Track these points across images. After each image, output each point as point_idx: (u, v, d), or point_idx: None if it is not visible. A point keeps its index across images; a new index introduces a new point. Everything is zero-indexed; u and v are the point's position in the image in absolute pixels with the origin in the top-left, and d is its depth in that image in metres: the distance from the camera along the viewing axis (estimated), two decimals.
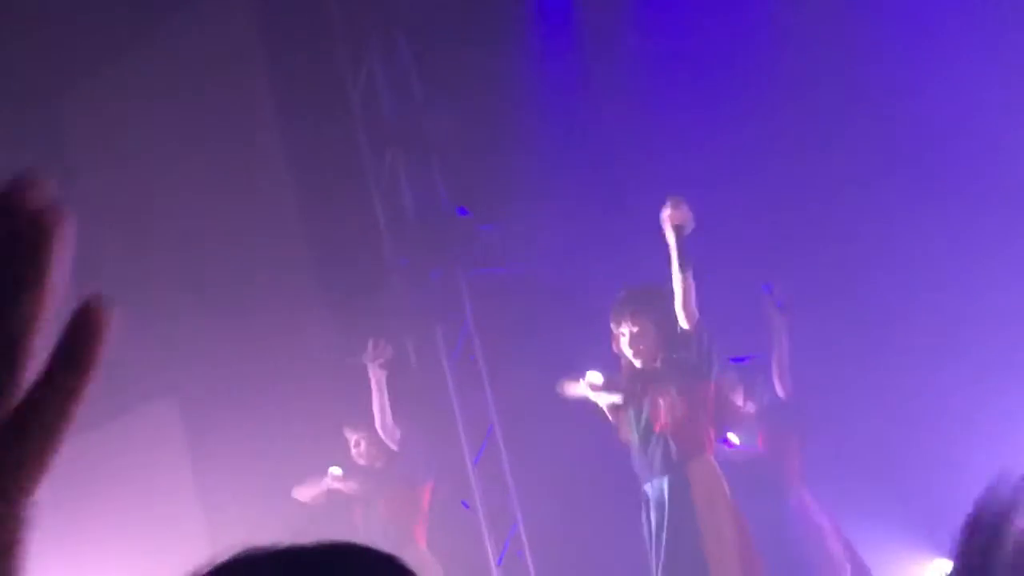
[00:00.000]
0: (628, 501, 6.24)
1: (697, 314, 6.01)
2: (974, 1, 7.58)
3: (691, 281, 5.98)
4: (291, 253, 8.06)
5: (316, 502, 7.19)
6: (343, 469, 7.20)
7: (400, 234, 8.11)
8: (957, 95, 7.43)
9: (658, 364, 6.11)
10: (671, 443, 6.04)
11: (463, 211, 8.06)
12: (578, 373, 6.31)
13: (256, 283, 7.94)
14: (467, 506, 7.92)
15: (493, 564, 7.81)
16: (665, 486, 6.01)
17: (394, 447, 7.15)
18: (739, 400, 6.96)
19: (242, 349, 7.81)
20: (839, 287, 7.69)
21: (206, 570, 1.21)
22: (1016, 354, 7.32)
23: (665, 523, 5.97)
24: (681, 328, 6.02)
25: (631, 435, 6.18)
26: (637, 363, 6.12)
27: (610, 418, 6.30)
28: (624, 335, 6.12)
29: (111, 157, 8.20)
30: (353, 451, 7.26)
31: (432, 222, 8.07)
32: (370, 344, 7.05)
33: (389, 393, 7.10)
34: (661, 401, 6.07)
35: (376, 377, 7.04)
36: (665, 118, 8.15)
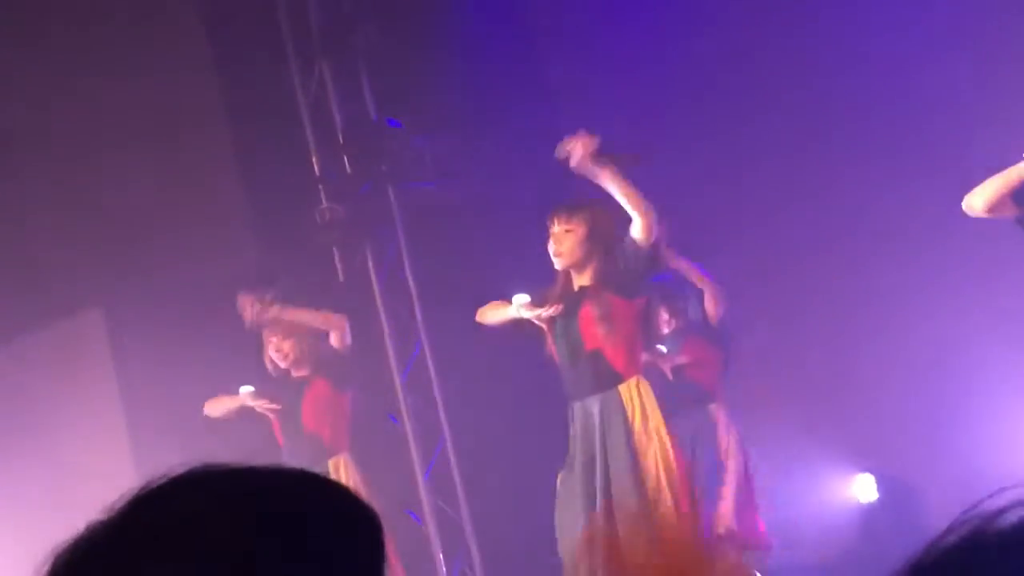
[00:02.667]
0: (557, 416, 6.22)
1: (655, 232, 5.83)
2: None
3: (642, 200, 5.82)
4: (218, 166, 7.97)
5: (228, 417, 7.03)
6: (260, 377, 7.06)
7: (329, 147, 8.03)
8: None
9: (588, 277, 5.93)
10: (603, 361, 5.86)
11: (393, 123, 7.99)
12: (505, 297, 6.15)
13: (182, 195, 7.85)
14: (395, 420, 7.92)
15: (420, 479, 7.84)
16: (596, 408, 5.84)
17: (343, 332, 6.98)
18: (664, 316, 6.96)
19: (168, 262, 7.74)
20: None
21: (160, 481, 1.20)
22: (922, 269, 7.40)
23: (598, 447, 5.81)
24: (625, 242, 5.82)
25: (559, 350, 6.00)
26: (557, 263, 5.91)
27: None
28: (553, 234, 5.92)
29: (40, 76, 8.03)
30: (274, 354, 7.00)
31: (361, 135, 8.00)
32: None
33: (316, 308, 7.06)
34: (593, 317, 5.88)
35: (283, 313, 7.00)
36: (608, 36, 8.11)
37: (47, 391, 7.88)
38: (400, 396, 7.89)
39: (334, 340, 7.01)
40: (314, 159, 8.05)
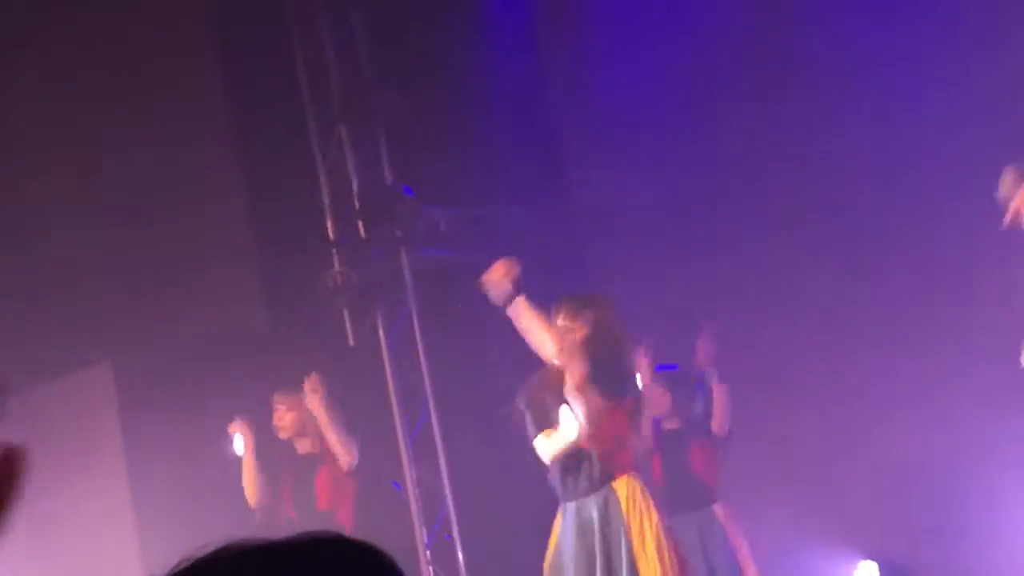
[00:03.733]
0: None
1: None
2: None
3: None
4: (233, 225, 8.00)
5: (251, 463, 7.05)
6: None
7: (344, 211, 8.07)
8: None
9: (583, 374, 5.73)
10: (596, 461, 5.72)
11: (408, 190, 8.03)
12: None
13: (195, 252, 7.88)
14: (398, 487, 7.90)
15: (421, 547, 7.80)
16: (594, 508, 5.70)
17: (351, 460, 6.99)
18: (665, 408, 6.93)
19: (178, 316, 7.76)
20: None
21: (186, 564, 1.17)
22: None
23: (598, 548, 5.66)
24: (612, 339, 5.73)
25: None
26: (556, 361, 5.76)
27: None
28: (556, 327, 5.75)
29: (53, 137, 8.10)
30: (275, 422, 7.08)
31: (377, 200, 8.03)
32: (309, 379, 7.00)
33: (327, 373, 7.07)
34: (586, 415, 5.67)
35: (313, 405, 7.00)
36: (621, 108, 8.17)
37: (54, 444, 7.87)
38: (405, 462, 7.87)
39: (341, 462, 7.02)
40: (329, 223, 8.08)
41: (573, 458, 5.76)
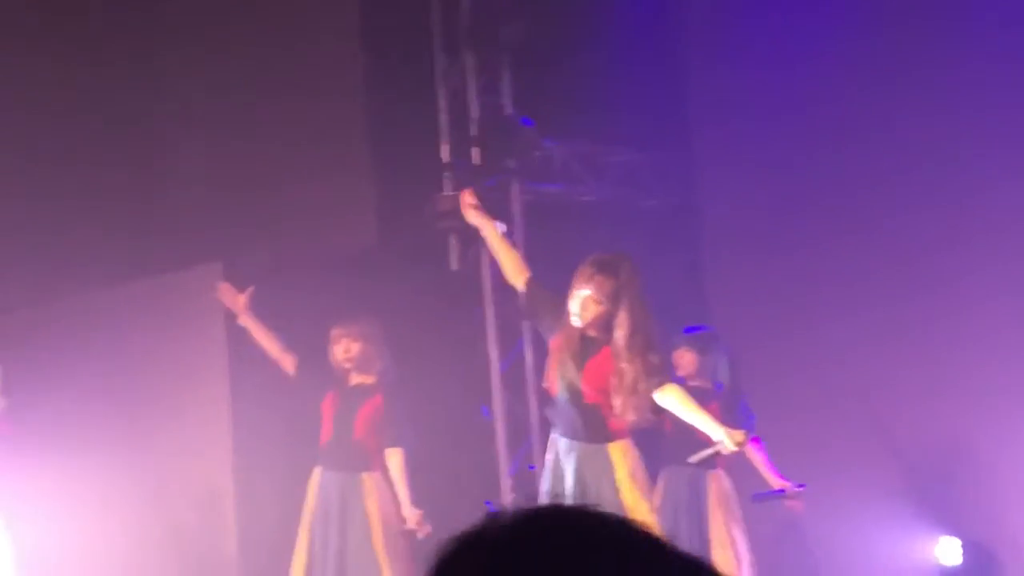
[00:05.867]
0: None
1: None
2: None
3: None
4: (350, 140, 8.07)
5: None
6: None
7: (461, 137, 8.10)
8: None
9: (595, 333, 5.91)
10: (599, 417, 5.86)
11: (527, 121, 8.04)
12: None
13: (311, 164, 7.97)
14: (487, 414, 7.98)
15: (505, 475, 7.89)
16: (574, 455, 5.86)
17: (293, 363, 7.03)
18: (691, 367, 6.88)
19: (289, 228, 7.86)
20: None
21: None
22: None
23: (567, 491, 5.78)
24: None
25: (557, 387, 5.97)
26: (575, 321, 5.90)
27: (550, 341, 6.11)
28: (580, 297, 5.89)
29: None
30: (341, 353, 6.95)
31: (495, 129, 8.05)
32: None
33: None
34: (597, 373, 5.85)
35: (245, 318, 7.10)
36: (753, 68, 8.11)
37: (152, 339, 8.03)
38: (496, 391, 7.94)
39: (287, 366, 7.10)
40: (445, 146, 8.12)
41: (579, 407, 5.95)
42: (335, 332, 7.01)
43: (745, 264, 8.14)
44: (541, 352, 7.90)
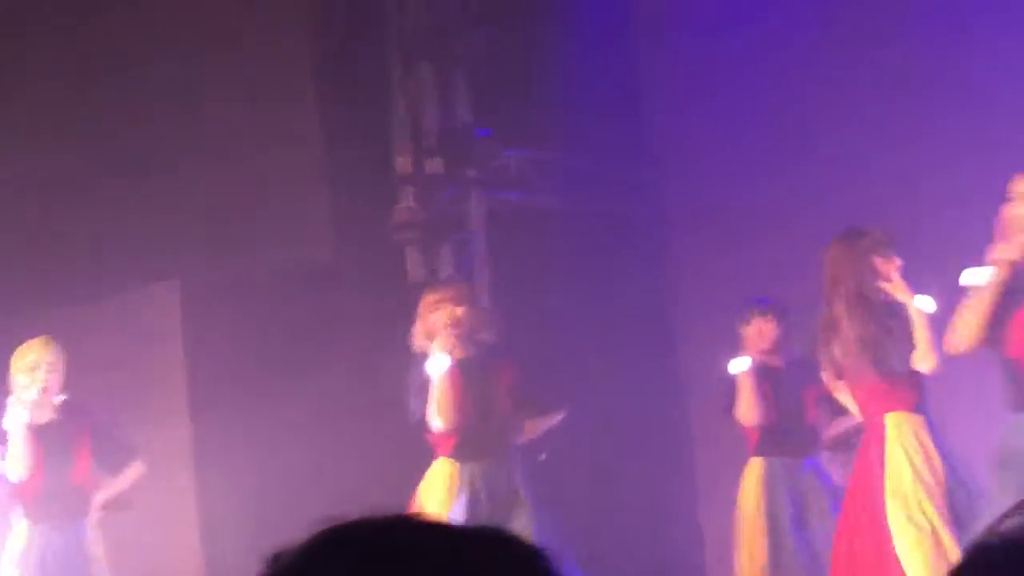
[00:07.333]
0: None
1: None
2: None
3: None
4: (308, 153, 8.03)
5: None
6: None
7: (419, 147, 8.07)
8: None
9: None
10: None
11: (485, 131, 8.02)
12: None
13: (269, 177, 7.93)
14: None
15: None
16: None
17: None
18: (771, 337, 6.51)
19: (245, 242, 7.82)
20: None
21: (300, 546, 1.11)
22: None
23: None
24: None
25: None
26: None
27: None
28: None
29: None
30: (448, 320, 5.78)
31: (452, 139, 8.03)
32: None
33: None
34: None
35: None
36: (706, 68, 8.09)
37: (112, 358, 7.98)
38: None
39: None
40: (403, 158, 8.09)
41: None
42: (427, 300, 6.01)
43: (705, 266, 8.13)
44: None
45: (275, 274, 7.71)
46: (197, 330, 7.91)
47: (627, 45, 8.53)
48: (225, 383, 7.52)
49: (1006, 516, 1.14)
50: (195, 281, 7.73)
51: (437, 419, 5.68)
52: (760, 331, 6.48)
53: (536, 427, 5.96)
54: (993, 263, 4.64)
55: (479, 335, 5.88)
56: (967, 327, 4.67)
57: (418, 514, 1.14)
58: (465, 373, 5.77)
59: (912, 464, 5.10)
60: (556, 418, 6.01)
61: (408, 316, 7.39)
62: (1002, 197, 4.72)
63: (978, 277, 4.77)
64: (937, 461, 5.15)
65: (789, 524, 6.23)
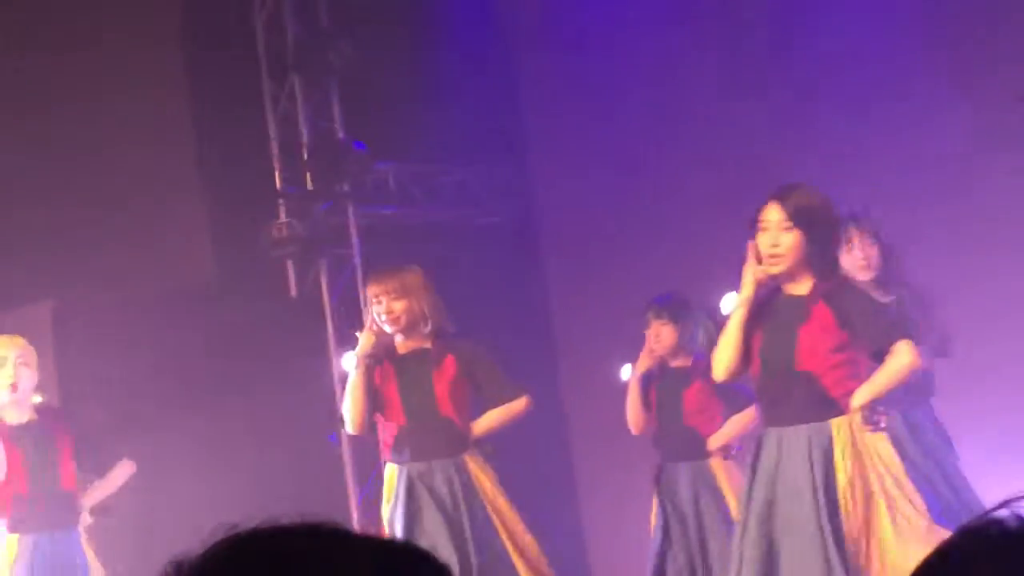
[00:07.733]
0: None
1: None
2: None
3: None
4: (182, 170, 7.94)
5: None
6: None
7: (293, 162, 8.03)
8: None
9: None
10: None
11: (360, 145, 8.01)
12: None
13: (143, 196, 7.81)
14: (335, 440, 7.89)
15: (354, 501, 7.82)
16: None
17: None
18: (670, 340, 6.31)
19: (120, 262, 7.69)
20: None
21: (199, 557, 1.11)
22: None
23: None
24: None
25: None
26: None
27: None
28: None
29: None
30: (384, 315, 5.52)
31: (327, 153, 8.00)
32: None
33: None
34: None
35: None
36: (584, 71, 8.15)
37: None
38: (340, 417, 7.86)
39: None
40: (277, 173, 8.04)
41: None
42: (371, 292, 5.73)
43: (586, 275, 8.19)
44: None
45: (155, 294, 7.59)
46: (68, 354, 7.77)
47: (500, 55, 8.57)
48: (98, 407, 7.37)
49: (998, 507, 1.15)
50: (66, 303, 7.58)
51: (347, 418, 5.70)
52: (657, 334, 6.32)
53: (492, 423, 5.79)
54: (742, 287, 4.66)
55: (416, 327, 5.64)
56: (723, 352, 4.72)
57: (322, 522, 1.15)
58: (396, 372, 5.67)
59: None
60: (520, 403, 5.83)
61: (291, 330, 7.35)
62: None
63: (731, 303, 4.83)
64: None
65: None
